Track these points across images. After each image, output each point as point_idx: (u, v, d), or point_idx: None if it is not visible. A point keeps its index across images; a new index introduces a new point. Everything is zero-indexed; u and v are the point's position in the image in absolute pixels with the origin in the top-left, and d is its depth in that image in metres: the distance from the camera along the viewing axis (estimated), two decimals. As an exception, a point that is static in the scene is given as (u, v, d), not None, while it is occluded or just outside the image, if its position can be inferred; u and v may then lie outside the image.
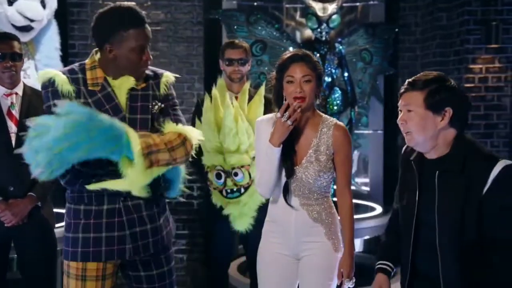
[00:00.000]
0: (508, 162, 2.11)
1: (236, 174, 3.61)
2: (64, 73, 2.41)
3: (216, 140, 3.58)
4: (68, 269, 2.47)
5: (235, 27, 5.55)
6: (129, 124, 2.38)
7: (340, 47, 5.37)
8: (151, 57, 2.46)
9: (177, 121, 2.51)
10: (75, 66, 2.49)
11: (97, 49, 2.49)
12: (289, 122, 2.63)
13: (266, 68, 5.49)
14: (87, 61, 2.49)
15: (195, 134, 2.49)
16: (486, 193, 2.08)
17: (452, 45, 5.59)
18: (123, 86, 2.45)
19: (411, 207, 2.25)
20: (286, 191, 2.76)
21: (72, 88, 2.38)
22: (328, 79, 5.10)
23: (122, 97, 2.44)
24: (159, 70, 2.60)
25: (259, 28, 5.53)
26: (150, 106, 2.46)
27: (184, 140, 2.43)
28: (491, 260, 2.10)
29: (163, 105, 2.49)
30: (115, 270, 2.52)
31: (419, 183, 2.23)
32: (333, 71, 5.21)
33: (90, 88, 2.41)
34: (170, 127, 2.45)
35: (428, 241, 2.18)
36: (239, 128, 3.54)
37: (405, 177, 2.35)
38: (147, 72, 2.54)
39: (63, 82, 2.38)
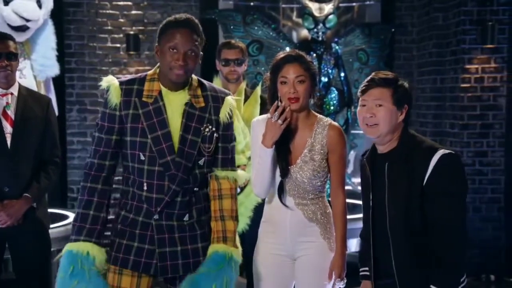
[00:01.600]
0: (446, 151, 2.30)
1: (232, 174, 3.59)
2: (122, 84, 2.49)
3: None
4: (109, 264, 2.54)
5: (232, 27, 5.54)
6: (180, 142, 2.45)
7: (337, 47, 5.36)
8: (182, 63, 2.42)
9: (228, 157, 2.60)
10: (138, 76, 2.55)
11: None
12: (279, 122, 2.63)
13: (262, 68, 5.47)
14: (150, 71, 2.55)
15: (241, 177, 2.66)
16: (427, 180, 2.28)
17: (448, 45, 5.59)
18: (179, 101, 2.48)
19: (367, 201, 2.45)
20: (281, 191, 2.75)
21: (118, 101, 2.46)
22: (324, 79, 5.09)
23: (174, 113, 2.48)
24: (222, 92, 2.61)
25: (256, 28, 5.51)
26: (202, 128, 2.49)
27: (236, 189, 2.64)
28: (432, 241, 2.30)
29: (214, 129, 2.53)
30: None
31: (372, 177, 2.43)
32: (330, 71, 5.20)
33: (144, 99, 2.47)
34: (225, 174, 2.59)
35: (382, 229, 2.38)
36: (235, 128, 3.53)
37: (362, 177, 2.53)
38: (209, 90, 2.56)
39: (113, 93, 2.46)
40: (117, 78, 2.54)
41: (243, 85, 3.76)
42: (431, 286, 2.28)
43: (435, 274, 2.28)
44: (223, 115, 2.56)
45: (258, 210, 3.52)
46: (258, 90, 3.72)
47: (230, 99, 2.59)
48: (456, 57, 5.43)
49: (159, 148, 2.43)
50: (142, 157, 2.45)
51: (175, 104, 2.48)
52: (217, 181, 2.59)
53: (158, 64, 2.55)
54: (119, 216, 2.54)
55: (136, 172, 2.47)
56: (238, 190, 3.59)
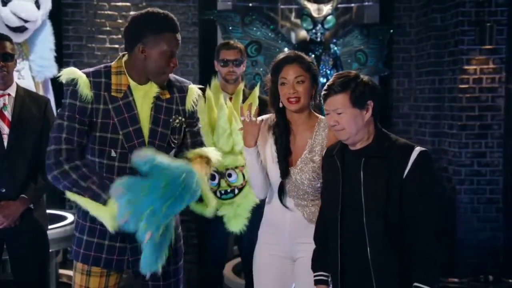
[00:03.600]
0: (422, 148, 2.35)
1: (230, 175, 3.58)
2: (88, 76, 2.44)
3: (210, 141, 3.54)
4: (75, 265, 2.51)
5: (230, 28, 5.52)
6: (150, 135, 2.43)
7: (335, 48, 5.34)
8: (177, 64, 2.47)
9: (197, 140, 2.58)
10: (101, 68, 2.50)
11: (124, 52, 2.52)
12: (253, 119, 2.66)
13: (261, 69, 5.45)
14: (113, 63, 2.50)
15: (214, 155, 2.59)
16: (406, 176, 2.30)
17: (446, 46, 5.57)
18: (147, 94, 2.46)
19: (336, 197, 2.41)
20: (281, 192, 2.73)
21: (91, 94, 2.41)
22: (323, 80, 5.06)
23: (144, 107, 2.45)
24: (184, 82, 2.61)
25: (254, 29, 5.49)
26: (171, 120, 2.48)
27: (207, 162, 2.54)
28: (410, 237, 2.30)
29: (183, 119, 2.52)
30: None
31: (342, 173, 2.41)
32: (328, 72, 5.19)
33: (113, 94, 2.43)
34: (195, 152, 2.53)
35: (356, 224, 2.34)
36: (233, 129, 3.52)
37: (328, 173, 2.52)
38: (173, 82, 2.55)
39: (84, 86, 2.41)
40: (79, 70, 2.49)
41: (241, 86, 3.75)
42: (415, 284, 2.27)
43: (418, 272, 2.28)
44: (189, 104, 2.55)
45: (256, 211, 3.50)
46: (256, 91, 3.70)
47: (194, 88, 2.59)
48: (455, 58, 5.42)
49: (131, 145, 2.40)
50: (114, 154, 2.41)
51: (144, 97, 2.46)
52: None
53: (121, 55, 2.51)
54: (86, 214, 2.45)
55: (105, 169, 2.43)
56: (236, 191, 3.59)
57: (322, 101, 2.44)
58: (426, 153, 2.34)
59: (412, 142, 2.42)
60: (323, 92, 2.41)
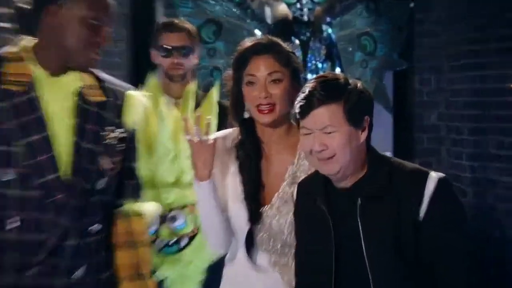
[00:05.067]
0: (439, 174, 2.37)
1: (174, 219, 3.58)
2: None
3: (146, 167, 3.53)
4: None
5: (176, 0, 5.55)
6: (74, 152, 2.40)
7: (329, 30, 5.40)
8: (108, 39, 2.46)
9: (136, 182, 2.68)
10: None
11: (23, 37, 2.50)
12: (205, 138, 2.62)
13: (221, 61, 5.49)
14: (7, 49, 2.46)
15: (151, 211, 2.71)
16: (424, 215, 2.33)
17: (493, 26, 5.62)
18: (64, 90, 2.45)
19: (325, 257, 2.42)
20: (250, 244, 2.73)
21: None
22: (311, 76, 5.11)
23: (58, 108, 2.43)
24: (121, 86, 2.63)
25: (212, 2, 5.53)
26: (103, 133, 2.47)
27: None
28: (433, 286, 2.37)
29: (122, 135, 2.52)
30: None
31: (333, 222, 2.42)
32: (320, 65, 5.24)
33: (6, 87, 2.38)
34: (134, 210, 2.63)
35: (357, 277, 2.39)
36: (180, 149, 3.52)
37: (308, 222, 2.54)
38: (108, 81, 2.57)
39: None
40: None
41: (192, 86, 3.76)
42: None
43: None
44: (128, 118, 2.56)
45: (213, 271, 3.49)
46: (214, 93, 3.72)
47: (135, 96, 2.61)
48: (505, 44, 5.48)
49: (35, 162, 2.36)
50: (7, 177, 2.35)
51: (58, 94, 2.44)
52: (127, 220, 2.59)
53: (20, 38, 2.49)
54: None
55: None
56: (183, 242, 3.59)
57: (298, 117, 2.40)
58: (446, 181, 2.38)
59: (430, 168, 2.43)
60: (300, 103, 2.38)
